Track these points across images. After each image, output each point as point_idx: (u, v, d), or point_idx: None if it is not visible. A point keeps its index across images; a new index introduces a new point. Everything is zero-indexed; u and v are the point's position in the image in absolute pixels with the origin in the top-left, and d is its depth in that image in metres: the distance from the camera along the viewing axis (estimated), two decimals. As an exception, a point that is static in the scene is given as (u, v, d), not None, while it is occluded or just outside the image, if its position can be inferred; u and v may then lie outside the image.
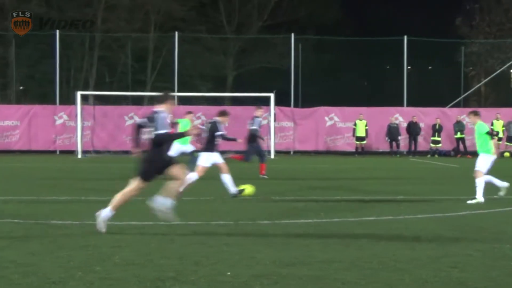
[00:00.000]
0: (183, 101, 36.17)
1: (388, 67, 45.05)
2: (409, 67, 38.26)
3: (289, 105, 35.59)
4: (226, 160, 17.71)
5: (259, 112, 20.87)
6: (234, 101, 39.61)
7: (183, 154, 19.80)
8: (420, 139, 34.65)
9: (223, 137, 15.14)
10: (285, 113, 34.86)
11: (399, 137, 34.29)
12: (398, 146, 34.39)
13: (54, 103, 35.60)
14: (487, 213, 12.14)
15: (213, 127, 14.92)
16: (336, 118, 35.05)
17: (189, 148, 20.25)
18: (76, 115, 32.51)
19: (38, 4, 42.10)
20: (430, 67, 48.44)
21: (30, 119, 33.76)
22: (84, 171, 22.85)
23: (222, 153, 15.66)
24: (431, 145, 34.48)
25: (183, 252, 8.15)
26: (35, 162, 27.90)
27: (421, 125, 34.62)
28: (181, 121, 20.71)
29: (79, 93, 32.71)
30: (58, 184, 17.56)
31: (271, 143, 32.52)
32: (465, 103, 39.31)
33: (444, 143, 34.50)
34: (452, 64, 41.93)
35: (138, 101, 39.04)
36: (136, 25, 44.06)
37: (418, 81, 43.85)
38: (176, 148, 19.55)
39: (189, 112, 21.64)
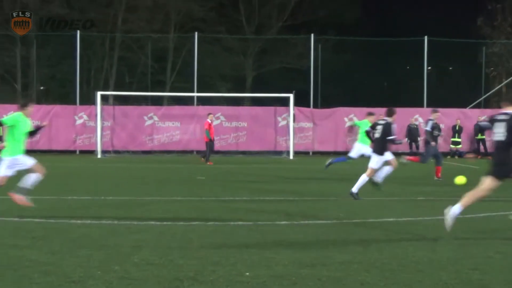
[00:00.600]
0: (202, 101, 36.25)
1: (408, 67, 44.83)
2: (429, 68, 38.05)
3: (308, 106, 35.54)
4: (402, 163, 17.63)
5: (434, 115, 20.48)
6: (253, 102, 39.63)
7: (363, 156, 19.22)
8: (440, 140, 34.43)
9: (393, 141, 14.63)
10: (304, 114, 34.81)
11: (419, 138, 34.11)
12: (417, 147, 34.22)
13: (74, 103, 35.84)
14: (507, 215, 12.03)
15: (386, 129, 14.44)
16: (355, 119, 34.93)
17: (368, 150, 18.35)
18: (96, 115, 32.69)
19: (60, 5, 42.39)
20: (450, 68, 48.13)
21: (50, 119, 33.98)
22: (104, 171, 22.96)
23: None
24: (451, 146, 34.27)
25: (202, 253, 8.16)
26: (55, 162, 28.08)
27: (441, 126, 34.41)
28: (360, 123, 20.02)
29: (99, 93, 32.87)
30: (78, 184, 17.67)
31: (290, 144, 32.50)
32: (486, 104, 39.03)
33: (464, 144, 34.28)
34: (473, 64, 41.63)
35: (157, 101, 39.17)
36: (156, 26, 44.21)
37: (439, 81, 43.60)
38: (357, 149, 19.32)
39: (370, 114, 19.51)
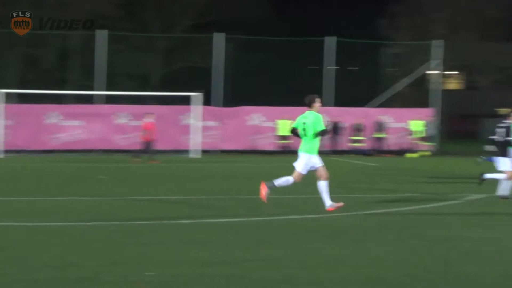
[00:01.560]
0: (108, 100, 35.81)
1: (316, 67, 45.60)
2: (334, 67, 38.83)
3: (215, 104, 35.64)
4: None
5: None
6: (160, 101, 39.35)
7: None
8: (342, 138, 35.19)
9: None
10: (210, 112, 34.87)
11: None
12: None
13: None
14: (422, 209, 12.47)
15: (508, 131, 14.11)
16: (260, 118, 35.26)
17: None
18: (-3, 114, 31.71)
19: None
20: (354, 68, 49.25)
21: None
22: (5, 171, 22.35)
23: None
24: (353, 144, 35.10)
25: (103, 253, 8.12)
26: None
27: (344, 124, 35.19)
28: None
29: (1, 91, 31.95)
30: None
31: (194, 142, 32.49)
32: (386, 103, 40.14)
33: (365, 142, 35.18)
34: (375, 64, 42.81)
35: (61, 99, 38.36)
36: (61, 23, 43.26)
37: (342, 81, 44.54)
38: None
39: None
